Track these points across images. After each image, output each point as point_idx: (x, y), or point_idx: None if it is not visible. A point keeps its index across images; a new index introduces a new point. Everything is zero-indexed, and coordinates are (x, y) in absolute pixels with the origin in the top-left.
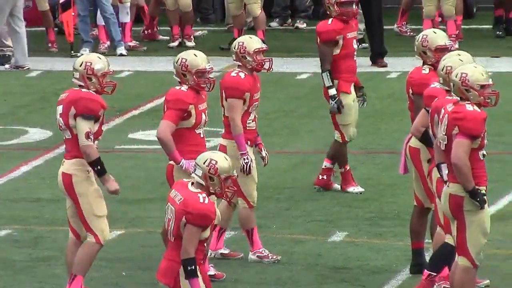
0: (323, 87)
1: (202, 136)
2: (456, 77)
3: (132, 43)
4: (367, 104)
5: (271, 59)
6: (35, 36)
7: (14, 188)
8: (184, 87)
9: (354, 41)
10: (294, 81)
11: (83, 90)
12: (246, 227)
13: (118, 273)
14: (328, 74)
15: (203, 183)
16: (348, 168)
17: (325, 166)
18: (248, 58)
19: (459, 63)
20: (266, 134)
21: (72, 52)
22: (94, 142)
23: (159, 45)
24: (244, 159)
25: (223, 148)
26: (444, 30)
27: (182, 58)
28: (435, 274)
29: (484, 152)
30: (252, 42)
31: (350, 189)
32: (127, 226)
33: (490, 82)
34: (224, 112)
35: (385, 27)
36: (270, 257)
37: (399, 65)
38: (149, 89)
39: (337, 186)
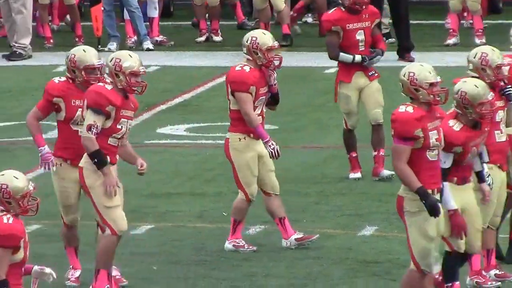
0: (336, 81)
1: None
2: (404, 76)
3: (159, 38)
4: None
5: (281, 57)
6: (62, 30)
7: (44, 183)
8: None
9: (360, 32)
10: (322, 75)
11: (100, 84)
12: (234, 216)
13: (149, 268)
14: (342, 54)
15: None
16: (354, 155)
17: (374, 155)
18: (259, 54)
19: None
20: (295, 128)
21: (99, 46)
22: (108, 138)
23: (186, 40)
24: (269, 146)
25: (227, 141)
26: (471, 26)
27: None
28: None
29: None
30: (265, 39)
31: (350, 175)
32: (157, 220)
33: (439, 79)
34: (229, 106)
35: (411, 21)
36: (246, 247)
37: (426, 59)
38: (177, 84)
39: (385, 171)
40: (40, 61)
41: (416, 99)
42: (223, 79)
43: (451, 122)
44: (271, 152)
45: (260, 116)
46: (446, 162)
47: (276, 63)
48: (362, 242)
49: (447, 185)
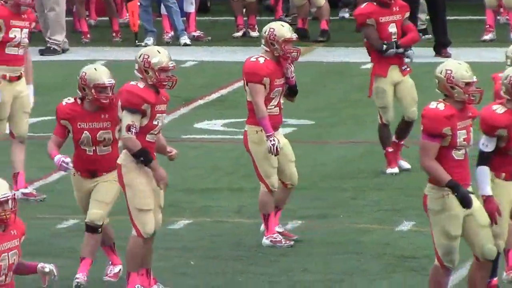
0: (371, 75)
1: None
2: (441, 73)
3: (197, 33)
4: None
5: (299, 50)
6: (99, 26)
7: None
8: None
9: (393, 25)
10: (359, 70)
11: (132, 83)
12: (263, 211)
13: (186, 262)
14: (387, 45)
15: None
16: (390, 150)
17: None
18: (276, 45)
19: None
20: (332, 124)
21: (137, 41)
22: (146, 135)
23: (223, 35)
24: (270, 140)
25: (245, 134)
26: (507, 22)
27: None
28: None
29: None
30: (283, 31)
31: (388, 170)
32: (195, 215)
33: (475, 79)
34: (247, 97)
35: (448, 17)
36: (283, 242)
37: (462, 55)
38: (214, 79)
39: (403, 164)
40: (77, 56)
41: (450, 96)
42: None
43: (495, 107)
44: (270, 147)
45: (277, 108)
46: (489, 145)
47: (294, 55)
48: (400, 237)
49: (486, 169)
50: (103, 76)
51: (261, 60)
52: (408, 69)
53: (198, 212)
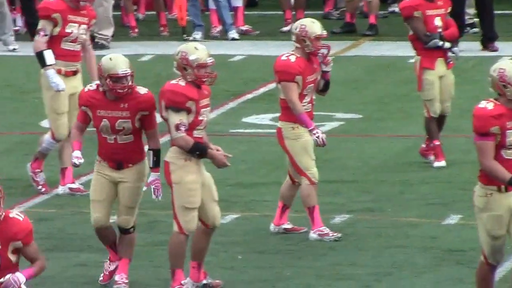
0: (418, 69)
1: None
2: (494, 72)
3: (245, 27)
4: (479, 89)
5: (329, 46)
6: (147, 20)
7: None
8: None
9: (438, 18)
10: (406, 64)
11: (173, 82)
12: (307, 205)
13: (234, 257)
14: (431, 40)
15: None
16: (437, 143)
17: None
18: (307, 42)
19: None
20: (380, 118)
21: (185, 36)
22: (193, 131)
23: (271, 29)
24: (314, 134)
25: (278, 130)
26: None
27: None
28: None
29: None
30: (313, 27)
31: (435, 163)
32: (243, 210)
33: None
34: (280, 95)
35: (495, 11)
36: (331, 235)
37: (510, 49)
38: (262, 73)
39: (439, 163)
40: (125, 50)
41: (503, 95)
42: None
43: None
44: (316, 140)
45: (310, 104)
46: None
47: (324, 52)
48: (447, 230)
49: None
50: (117, 66)
51: (293, 58)
52: (451, 61)
53: (247, 206)
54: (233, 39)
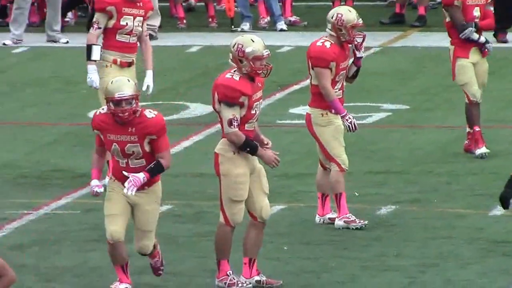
0: (452, 57)
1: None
2: None
3: (293, 18)
4: None
5: (365, 35)
6: (195, 11)
7: (175, 163)
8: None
9: (477, 8)
10: None
11: (227, 75)
12: (335, 191)
13: (279, 248)
14: (468, 30)
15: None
16: (477, 129)
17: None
18: (343, 31)
19: None
20: (427, 109)
21: (233, 27)
22: (245, 125)
23: (319, 20)
24: (346, 119)
25: (308, 116)
26: None
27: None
28: None
29: None
30: (350, 16)
31: (477, 151)
32: (289, 200)
33: None
34: (311, 81)
35: None
36: (358, 222)
37: None
38: None
39: (480, 150)
40: (173, 41)
41: None
42: None
43: None
44: (348, 126)
45: (341, 90)
46: None
47: (359, 40)
48: (493, 222)
49: None
50: (115, 89)
51: (327, 44)
52: (486, 50)
53: (293, 197)
54: (281, 30)
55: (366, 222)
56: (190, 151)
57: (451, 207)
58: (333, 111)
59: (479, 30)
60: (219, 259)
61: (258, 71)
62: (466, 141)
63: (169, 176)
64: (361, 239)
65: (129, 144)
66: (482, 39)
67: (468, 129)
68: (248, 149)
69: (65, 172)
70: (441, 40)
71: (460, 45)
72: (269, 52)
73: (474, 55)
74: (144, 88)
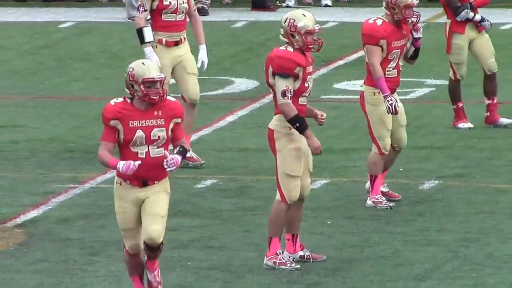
0: (448, 32)
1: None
2: None
3: None
4: None
5: (419, 14)
6: None
7: (220, 138)
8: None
9: None
10: (498, 31)
11: (281, 48)
12: (371, 172)
13: (323, 222)
14: (464, 12)
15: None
16: (460, 105)
17: (488, 103)
18: (396, 10)
19: None
20: (468, 84)
21: (277, 2)
22: (299, 98)
23: None
24: (387, 100)
25: (361, 94)
26: None
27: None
28: None
29: None
30: None
31: (460, 125)
32: (333, 175)
33: None
34: (366, 59)
35: None
36: (384, 203)
37: None
38: (354, 40)
39: (504, 120)
40: (218, 17)
41: None
42: None
43: None
44: (389, 107)
45: (396, 70)
46: None
47: (414, 20)
48: None
49: None
50: (151, 70)
51: (379, 22)
52: (481, 25)
53: (336, 172)
54: (326, 5)
55: (392, 204)
56: (235, 125)
57: (494, 182)
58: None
59: (474, 9)
60: (271, 237)
61: (310, 45)
62: (487, 113)
63: (213, 151)
64: (404, 214)
65: (155, 129)
66: (478, 17)
67: (487, 101)
68: (298, 124)
69: None
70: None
71: (456, 20)
72: (320, 26)
73: (470, 31)
74: (199, 65)
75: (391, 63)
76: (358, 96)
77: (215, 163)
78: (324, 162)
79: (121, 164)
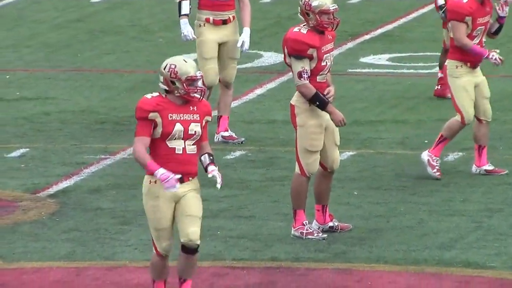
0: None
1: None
2: None
3: None
4: None
5: None
6: None
7: (249, 110)
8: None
9: None
10: None
11: (295, 29)
12: (443, 132)
13: (350, 193)
14: None
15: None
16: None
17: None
18: None
19: None
20: None
21: None
22: (317, 77)
23: None
24: (490, 58)
25: (444, 68)
26: None
27: None
28: None
29: None
30: None
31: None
32: (359, 147)
33: None
34: (450, 34)
35: None
36: (435, 171)
37: None
38: (380, 15)
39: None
40: None
41: None
42: (425, 10)
43: None
44: (494, 61)
45: (479, 45)
46: None
47: (502, 0)
48: None
49: None
50: (194, 68)
51: None
52: None
53: (362, 143)
54: None
55: (439, 175)
56: (263, 98)
57: None
58: (468, 64)
59: None
60: (295, 209)
61: (324, 25)
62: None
63: (242, 123)
64: (430, 185)
65: (192, 123)
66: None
67: (440, 75)
68: (318, 103)
69: None
70: None
71: None
72: (336, 6)
73: None
74: (239, 44)
75: (475, 39)
76: (384, 70)
77: (244, 135)
78: (351, 134)
79: (161, 172)
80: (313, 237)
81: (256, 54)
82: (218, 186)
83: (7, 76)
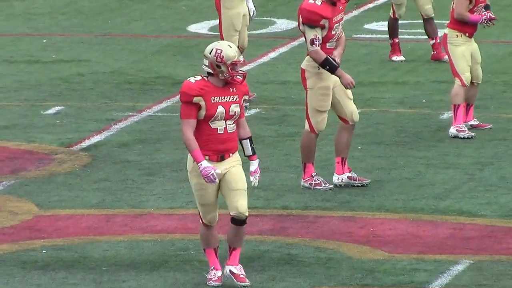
0: None
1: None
2: None
3: None
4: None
5: None
6: None
7: (263, 72)
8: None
9: None
10: None
11: (310, 1)
12: (453, 102)
13: (354, 147)
14: None
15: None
16: (396, 40)
17: (432, 43)
18: None
19: None
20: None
21: None
22: (326, 44)
23: None
24: (483, 21)
25: (444, 36)
26: None
27: None
28: None
29: None
30: None
31: (394, 57)
32: (363, 106)
33: None
34: (452, 5)
35: None
36: (467, 133)
37: None
38: None
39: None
40: None
41: None
42: None
43: None
44: (487, 23)
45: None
46: None
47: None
48: None
49: None
50: (238, 53)
51: None
52: None
53: (366, 103)
54: None
55: (473, 134)
56: (276, 61)
57: (506, 112)
58: (467, 34)
59: None
60: (304, 162)
61: None
62: (433, 52)
63: (257, 83)
64: (427, 141)
65: (232, 105)
66: None
67: (431, 41)
68: (328, 67)
69: (166, 79)
70: None
71: None
72: None
73: None
74: (251, 14)
75: (475, 14)
76: (387, 36)
77: (259, 94)
78: (355, 94)
79: (203, 166)
80: (321, 187)
81: (270, 21)
82: (255, 184)
83: (44, 40)
